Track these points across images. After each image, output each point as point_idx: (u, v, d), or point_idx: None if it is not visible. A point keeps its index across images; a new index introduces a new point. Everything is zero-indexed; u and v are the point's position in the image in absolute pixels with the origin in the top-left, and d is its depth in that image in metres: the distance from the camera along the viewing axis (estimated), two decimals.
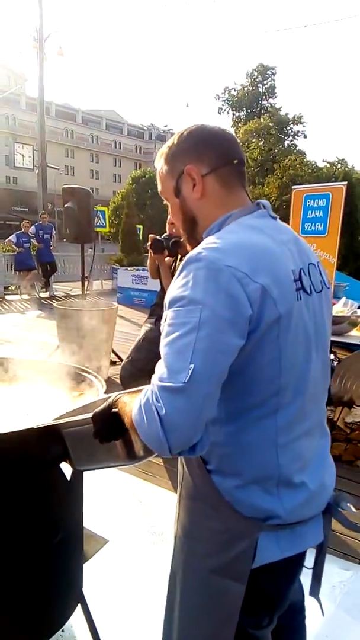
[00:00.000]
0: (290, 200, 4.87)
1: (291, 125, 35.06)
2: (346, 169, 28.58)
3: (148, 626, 1.92)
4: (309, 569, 1.19)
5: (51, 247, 12.00)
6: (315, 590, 1.21)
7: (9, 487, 1.47)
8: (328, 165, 32.23)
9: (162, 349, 0.91)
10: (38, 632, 1.66)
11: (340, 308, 3.98)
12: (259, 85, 38.18)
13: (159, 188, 1.18)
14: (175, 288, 0.95)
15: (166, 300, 0.96)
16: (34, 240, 11.63)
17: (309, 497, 1.06)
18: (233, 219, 1.06)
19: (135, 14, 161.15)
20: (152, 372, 0.91)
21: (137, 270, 11.45)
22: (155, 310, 3.67)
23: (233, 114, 39.29)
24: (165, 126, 69.97)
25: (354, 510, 1.16)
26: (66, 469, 1.55)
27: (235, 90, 38.57)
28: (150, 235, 3.04)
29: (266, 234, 1.03)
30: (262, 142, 32.61)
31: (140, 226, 17.86)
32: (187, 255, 0.97)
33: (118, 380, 4.04)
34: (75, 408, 1.49)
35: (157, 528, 2.64)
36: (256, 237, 1.01)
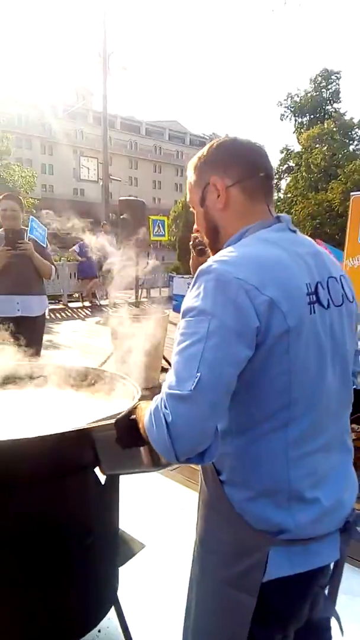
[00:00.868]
0: None
1: (356, 130, 34.06)
2: None
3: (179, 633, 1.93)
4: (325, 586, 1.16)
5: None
6: (329, 609, 1.18)
7: (43, 488, 1.54)
8: None
9: (173, 357, 0.95)
10: (70, 630, 1.71)
11: None
12: (322, 90, 37.45)
13: (188, 197, 1.23)
14: (188, 299, 0.99)
15: (181, 310, 1.00)
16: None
17: (322, 513, 1.04)
18: (251, 232, 1.08)
19: (196, 23, 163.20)
20: None
21: (192, 278, 11.49)
22: None
23: (295, 120, 38.72)
24: (227, 135, 70.04)
25: None
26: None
27: (298, 97, 38.05)
28: (193, 235, 3.08)
29: (281, 247, 1.04)
30: (325, 147, 31.89)
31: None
32: (200, 267, 1.00)
33: None
34: (109, 415, 1.54)
35: None
36: (269, 250, 1.02)
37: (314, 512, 1.03)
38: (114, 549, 1.88)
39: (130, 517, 1.99)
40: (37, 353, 2.87)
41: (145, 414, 0.97)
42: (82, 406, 2.02)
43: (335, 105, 37.77)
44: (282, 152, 37.58)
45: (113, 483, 1.76)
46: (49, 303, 11.46)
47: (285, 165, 39.72)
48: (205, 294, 0.95)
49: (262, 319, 0.93)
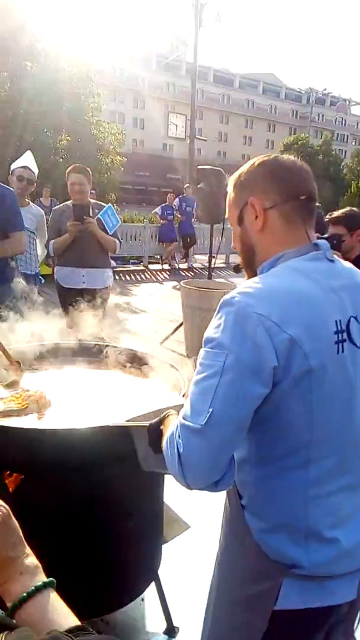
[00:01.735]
0: None
1: None
2: None
3: None
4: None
5: (193, 220, 12.32)
6: None
7: (90, 474, 1.65)
8: None
9: (190, 386, 0.97)
10: (116, 596, 1.86)
11: None
12: None
13: (227, 213, 1.20)
14: (210, 328, 0.99)
15: (203, 338, 1.00)
16: (177, 213, 12.02)
17: (340, 554, 1.03)
18: (285, 259, 1.04)
19: None
20: None
21: None
22: None
23: None
24: (325, 89, 65.80)
25: None
26: None
27: None
28: None
29: (312, 279, 1.00)
30: None
31: None
32: (223, 298, 1.00)
33: None
34: (149, 412, 1.60)
35: None
36: (298, 283, 0.99)
37: (330, 552, 1.02)
38: (157, 529, 1.99)
39: (179, 498, 2.08)
40: (99, 325, 2.98)
41: (166, 433, 1.00)
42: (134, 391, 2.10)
43: None
44: None
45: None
46: (132, 263, 11.87)
47: None
48: (225, 326, 0.94)
49: (282, 358, 0.92)
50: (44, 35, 13.07)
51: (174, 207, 12.00)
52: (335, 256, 1.09)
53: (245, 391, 0.91)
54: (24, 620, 0.67)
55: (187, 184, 13.18)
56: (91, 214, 3.75)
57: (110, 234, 3.87)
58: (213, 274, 6.43)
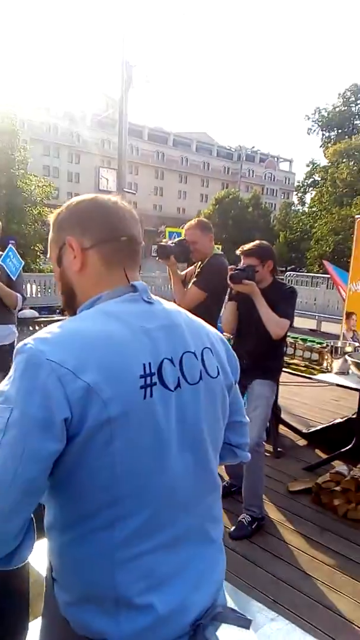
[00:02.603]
0: None
1: None
2: None
3: None
4: None
5: None
6: None
7: None
8: None
9: None
10: None
11: None
12: (351, 105, 37.23)
13: (49, 253, 1.13)
14: (5, 379, 0.88)
15: None
16: None
17: (156, 621, 0.90)
18: (102, 302, 0.97)
19: (226, 36, 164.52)
20: None
21: None
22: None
23: (323, 134, 38.58)
24: (253, 147, 70.30)
25: None
26: None
27: (326, 111, 37.89)
28: (157, 240, 2.97)
29: (123, 321, 0.92)
30: (352, 162, 31.53)
31: (219, 246, 17.91)
32: (18, 345, 0.90)
33: None
34: None
35: None
36: (105, 325, 0.90)
37: (145, 620, 0.89)
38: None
39: None
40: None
41: None
42: None
43: None
44: (308, 165, 37.48)
45: None
46: (58, 312, 11.60)
47: (311, 179, 39.51)
48: (14, 377, 0.83)
49: (75, 409, 0.81)
50: None
51: None
52: (155, 298, 1.03)
53: (32, 449, 0.79)
54: None
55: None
56: None
57: (14, 279, 3.66)
58: None
